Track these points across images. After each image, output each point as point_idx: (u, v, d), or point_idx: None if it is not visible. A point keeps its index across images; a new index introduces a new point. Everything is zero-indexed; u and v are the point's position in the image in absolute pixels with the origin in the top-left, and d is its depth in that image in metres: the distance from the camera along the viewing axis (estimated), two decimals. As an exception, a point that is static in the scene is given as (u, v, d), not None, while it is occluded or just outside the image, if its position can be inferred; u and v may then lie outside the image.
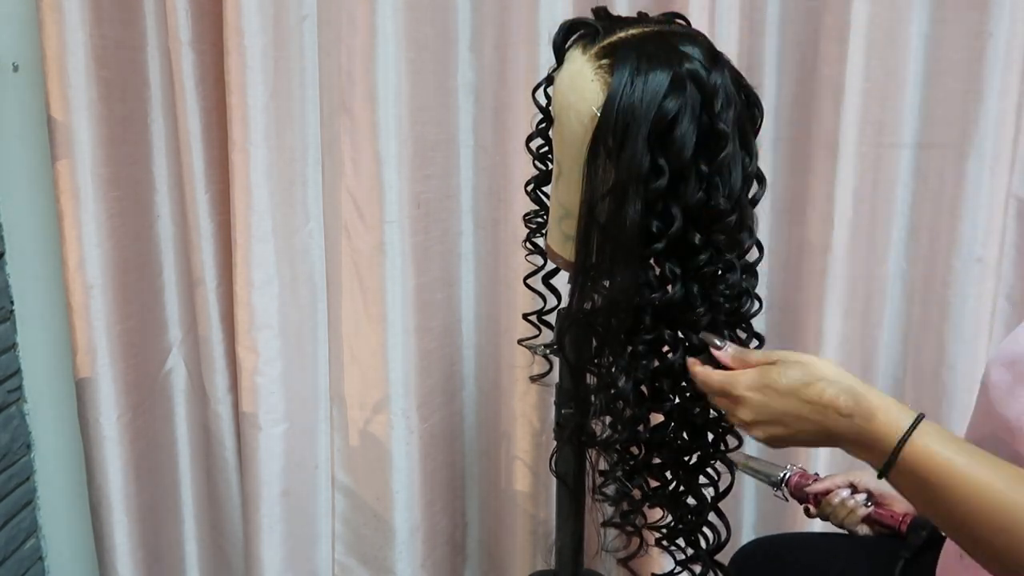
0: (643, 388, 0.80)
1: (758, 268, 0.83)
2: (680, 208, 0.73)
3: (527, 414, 1.33)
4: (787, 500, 1.02)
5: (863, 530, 0.96)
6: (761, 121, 0.80)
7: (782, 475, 1.01)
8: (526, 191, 0.95)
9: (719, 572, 0.86)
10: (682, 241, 0.75)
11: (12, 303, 1.31)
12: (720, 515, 0.86)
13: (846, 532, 0.98)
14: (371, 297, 1.27)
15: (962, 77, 1.16)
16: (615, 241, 0.74)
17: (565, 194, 0.81)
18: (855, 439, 0.63)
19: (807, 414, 0.65)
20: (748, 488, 1.38)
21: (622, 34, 0.75)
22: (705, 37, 0.76)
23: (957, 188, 1.19)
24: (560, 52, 0.81)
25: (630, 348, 0.78)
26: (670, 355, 0.78)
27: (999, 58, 1.13)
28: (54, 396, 1.35)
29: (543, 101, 0.88)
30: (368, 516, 1.36)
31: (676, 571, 0.88)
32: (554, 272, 0.96)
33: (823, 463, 1.29)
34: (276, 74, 1.17)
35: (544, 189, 0.93)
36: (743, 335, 0.82)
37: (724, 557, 0.89)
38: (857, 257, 1.23)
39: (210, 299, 1.27)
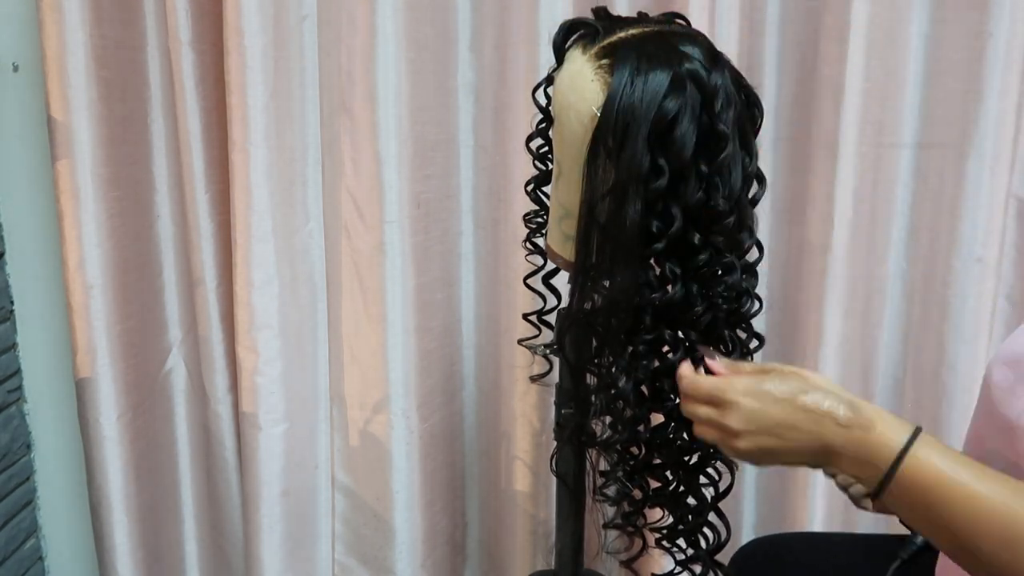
0: (643, 388, 0.80)
1: (758, 268, 0.83)
2: (680, 208, 0.73)
3: (527, 414, 1.33)
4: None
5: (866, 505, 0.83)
6: (761, 121, 0.80)
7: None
8: (526, 191, 0.95)
9: (719, 572, 0.86)
10: (682, 241, 0.75)
11: (12, 303, 1.31)
12: (720, 515, 0.86)
13: (844, 533, 0.97)
14: (371, 297, 1.27)
15: (962, 77, 1.16)
16: (615, 241, 0.74)
17: (565, 194, 0.81)
18: (852, 451, 0.61)
19: (802, 423, 0.62)
20: (748, 488, 1.38)
21: (622, 34, 0.75)
22: (705, 37, 0.77)
23: (957, 188, 1.19)
24: (560, 52, 0.81)
25: (630, 348, 0.78)
26: (670, 355, 0.78)
27: (999, 58, 1.13)
28: (54, 396, 1.35)
29: (543, 101, 0.88)
30: (368, 516, 1.36)
31: (676, 571, 0.88)
32: (554, 272, 0.96)
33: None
34: (276, 74, 1.17)
35: (544, 189, 0.93)
36: (743, 335, 0.82)
37: (724, 557, 0.89)
38: (857, 257, 1.23)
39: (210, 299, 1.27)
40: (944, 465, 0.58)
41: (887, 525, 1.34)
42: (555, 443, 0.98)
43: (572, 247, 0.80)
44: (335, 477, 1.38)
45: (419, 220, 1.26)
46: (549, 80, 0.85)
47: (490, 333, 1.35)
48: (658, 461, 0.83)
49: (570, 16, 1.00)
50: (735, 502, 1.37)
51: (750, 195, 0.79)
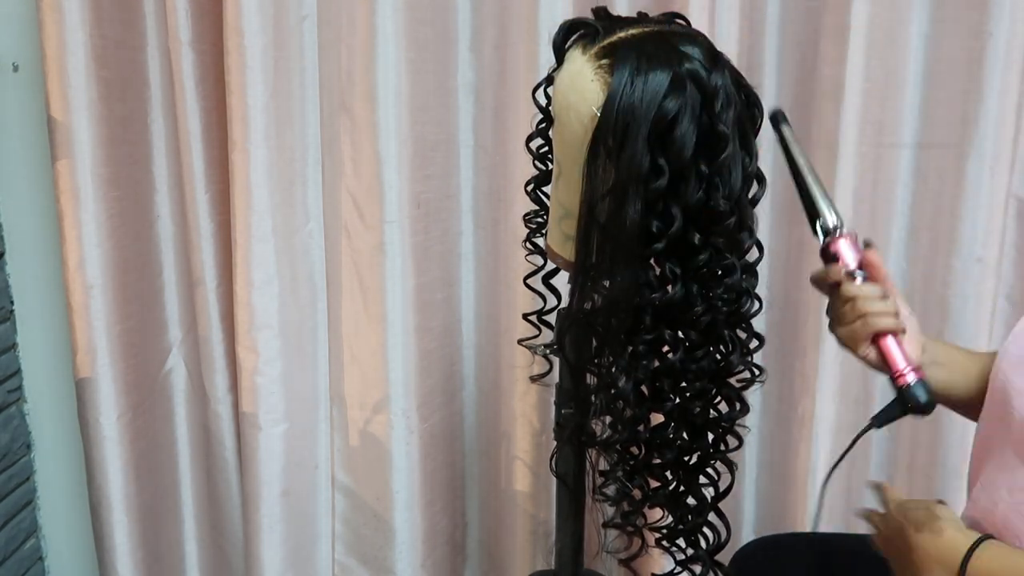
0: (643, 388, 0.80)
1: (758, 268, 0.83)
2: (680, 208, 0.73)
3: (527, 414, 1.33)
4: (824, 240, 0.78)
5: (863, 351, 0.78)
6: (761, 121, 0.80)
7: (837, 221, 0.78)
8: (526, 191, 0.95)
9: (719, 572, 0.86)
10: (682, 241, 0.75)
11: (12, 303, 1.31)
12: (720, 515, 0.86)
13: (844, 534, 0.97)
14: (371, 297, 1.27)
15: (962, 77, 1.16)
16: (615, 241, 0.74)
17: (565, 194, 0.81)
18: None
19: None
20: (748, 488, 1.38)
21: (622, 34, 0.75)
22: (705, 37, 0.77)
23: (957, 188, 1.19)
24: (560, 52, 0.81)
25: (630, 348, 0.78)
26: (670, 355, 0.78)
27: (999, 58, 1.13)
28: (54, 396, 1.34)
29: (543, 101, 0.88)
30: (368, 516, 1.36)
31: (676, 571, 0.88)
32: (554, 272, 0.96)
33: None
34: (276, 74, 1.17)
35: (544, 189, 0.93)
36: (743, 335, 0.82)
37: (724, 557, 0.89)
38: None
39: (210, 299, 1.27)
40: (1007, 560, 0.66)
41: (887, 525, 1.34)
42: (555, 443, 0.98)
43: (572, 247, 0.80)
44: (335, 477, 1.38)
45: (419, 220, 1.26)
46: (549, 80, 0.85)
47: (490, 333, 1.35)
48: (658, 461, 0.83)
49: (570, 16, 1.00)
50: (735, 502, 1.37)
51: (750, 195, 0.79)
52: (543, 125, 0.90)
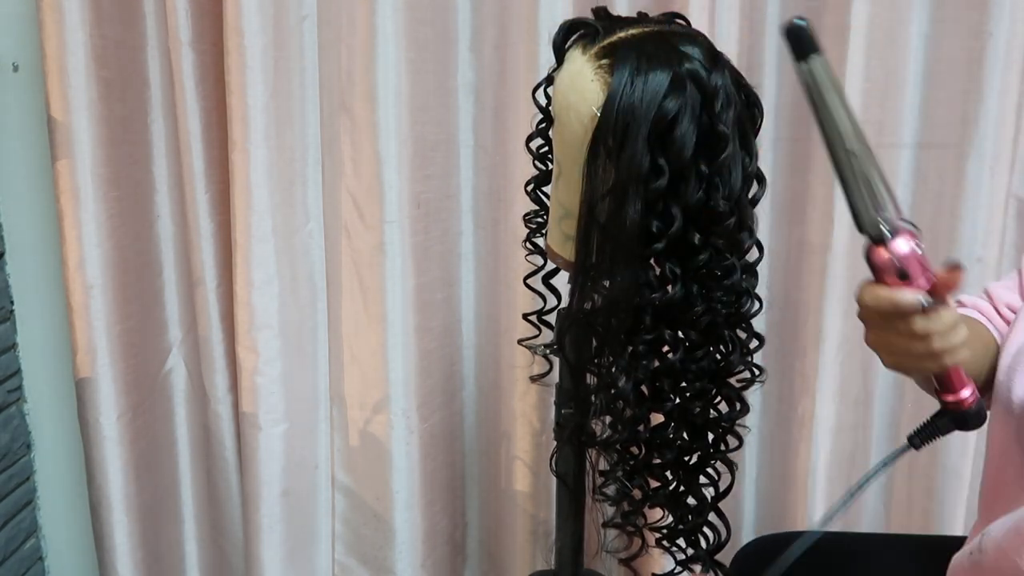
0: (643, 388, 0.80)
1: (758, 268, 0.83)
2: (680, 208, 0.73)
3: (527, 414, 1.33)
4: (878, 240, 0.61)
5: (917, 375, 0.70)
6: (761, 121, 0.80)
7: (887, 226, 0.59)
8: (526, 191, 0.95)
9: (719, 572, 0.86)
10: (682, 241, 0.75)
11: (12, 303, 1.31)
12: (720, 515, 0.86)
13: (844, 532, 0.97)
14: (371, 297, 1.27)
15: (962, 77, 1.16)
16: (615, 241, 0.74)
17: (565, 194, 0.81)
18: None
19: None
20: (748, 488, 1.38)
21: (622, 34, 0.75)
22: (705, 37, 0.77)
23: (957, 188, 1.19)
24: (560, 52, 0.81)
25: (630, 348, 0.78)
26: (670, 355, 0.78)
27: (999, 58, 1.13)
28: (54, 396, 1.34)
29: (543, 101, 0.88)
30: (368, 516, 1.36)
31: (676, 571, 0.88)
32: (554, 272, 0.96)
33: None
34: (276, 74, 1.17)
35: (544, 189, 0.93)
36: (743, 335, 0.82)
37: (725, 557, 0.89)
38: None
39: (210, 299, 1.27)
40: None
41: (886, 525, 1.35)
42: (555, 443, 0.98)
43: (572, 247, 0.80)
44: (335, 477, 1.38)
45: (419, 220, 1.26)
46: (549, 80, 0.85)
47: (490, 333, 1.35)
48: (658, 461, 0.83)
49: (570, 16, 1.00)
50: (735, 502, 1.37)
51: (750, 195, 0.79)
52: (543, 125, 0.90)
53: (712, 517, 0.86)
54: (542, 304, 0.99)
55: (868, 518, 1.35)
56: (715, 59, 0.73)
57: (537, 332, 1.01)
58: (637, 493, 0.84)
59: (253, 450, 1.27)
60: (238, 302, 1.23)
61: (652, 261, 0.77)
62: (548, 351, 0.99)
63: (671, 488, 0.85)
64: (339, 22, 1.19)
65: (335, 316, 1.31)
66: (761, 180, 0.81)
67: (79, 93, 1.12)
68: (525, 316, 1.02)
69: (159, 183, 1.28)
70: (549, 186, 0.89)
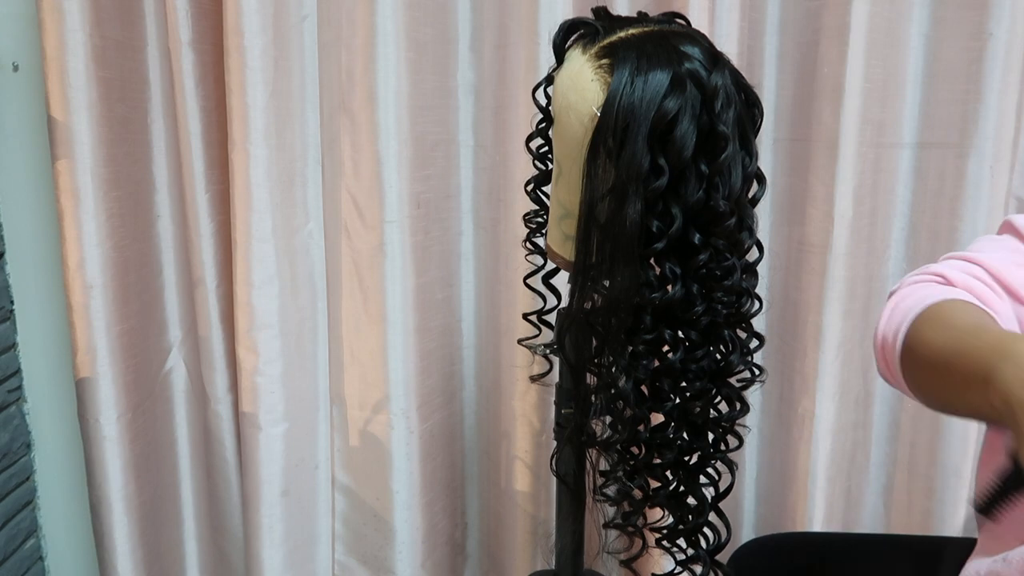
0: (643, 388, 0.80)
1: (758, 268, 0.83)
2: (680, 208, 0.73)
3: (527, 414, 1.33)
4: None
5: None
6: (761, 121, 0.80)
7: None
8: (526, 191, 0.95)
9: (719, 572, 0.86)
10: (682, 241, 0.75)
11: (12, 303, 1.31)
12: (720, 515, 0.86)
13: (843, 533, 0.96)
14: (371, 297, 1.27)
15: (962, 77, 1.16)
16: (615, 241, 0.74)
17: (565, 194, 0.81)
18: None
19: None
20: (748, 488, 1.38)
21: (622, 34, 0.75)
22: (705, 37, 0.77)
23: (957, 188, 1.19)
24: (560, 52, 0.81)
25: (630, 348, 0.78)
26: (670, 355, 0.78)
27: (999, 58, 1.13)
28: (54, 396, 1.34)
29: (543, 101, 0.88)
30: (368, 516, 1.36)
31: (676, 571, 0.88)
32: (554, 272, 0.96)
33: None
34: (276, 74, 1.17)
35: (544, 189, 0.93)
36: (743, 335, 0.82)
37: (724, 556, 0.89)
38: (857, 257, 1.23)
39: (210, 299, 1.27)
40: None
41: (886, 524, 1.35)
42: (555, 443, 0.98)
43: (572, 247, 0.80)
44: (335, 477, 1.38)
45: (419, 220, 1.26)
46: (549, 80, 0.85)
47: (490, 333, 1.35)
48: (658, 461, 0.83)
49: (570, 16, 1.00)
50: (735, 502, 1.37)
51: (750, 195, 0.79)
52: (543, 125, 0.90)
53: (712, 517, 0.86)
54: (542, 304, 0.99)
55: (868, 518, 1.35)
56: (715, 59, 0.73)
57: (537, 332, 1.01)
58: (638, 493, 0.84)
59: (253, 450, 1.27)
60: (238, 302, 1.23)
61: (652, 261, 0.77)
62: (548, 351, 0.99)
63: (671, 488, 0.85)
64: (339, 22, 1.19)
65: (335, 316, 1.31)
66: (761, 180, 0.81)
67: (79, 93, 1.12)
68: (525, 316, 1.02)
69: (159, 183, 1.28)
70: (549, 186, 0.89)
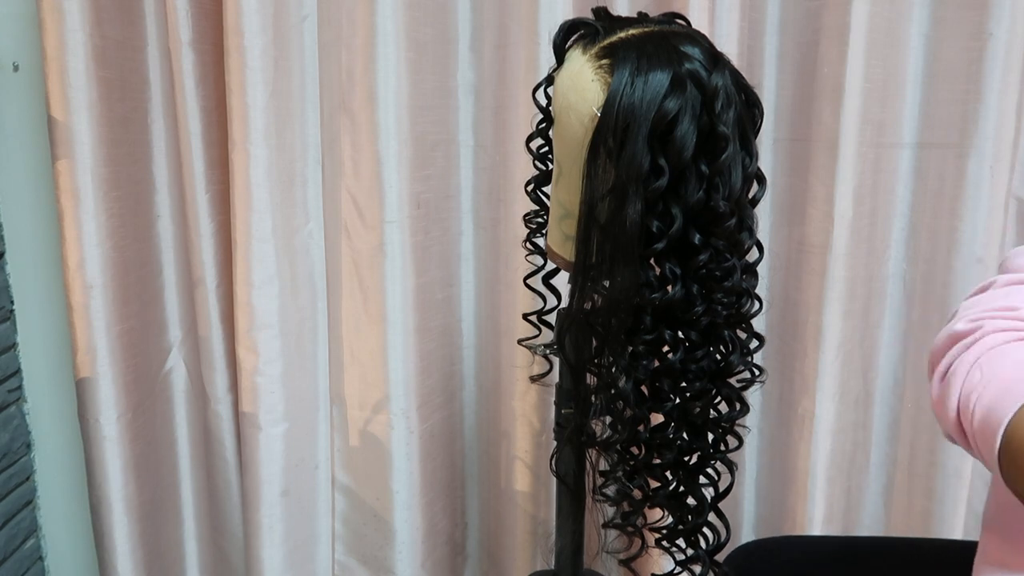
0: (643, 388, 0.80)
1: (758, 268, 0.83)
2: (680, 208, 0.73)
3: (527, 414, 1.33)
4: None
5: None
6: (761, 121, 0.80)
7: None
8: (526, 191, 0.95)
9: (718, 572, 0.86)
10: (682, 241, 0.75)
11: (12, 303, 1.31)
12: (720, 515, 0.86)
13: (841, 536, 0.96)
14: (371, 297, 1.27)
15: (962, 77, 1.16)
16: (615, 241, 0.74)
17: (565, 194, 0.81)
18: None
19: None
20: (748, 489, 1.38)
21: (622, 34, 0.75)
22: (705, 37, 0.77)
23: (957, 188, 1.19)
24: (560, 52, 0.81)
25: (630, 348, 0.78)
26: (670, 355, 0.78)
27: (999, 58, 1.13)
28: (54, 396, 1.34)
29: (543, 101, 0.88)
30: (368, 516, 1.36)
31: (676, 571, 0.88)
32: (554, 272, 0.96)
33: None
34: (276, 74, 1.17)
35: (544, 189, 0.93)
36: (743, 335, 0.82)
37: (723, 557, 0.89)
38: (857, 257, 1.23)
39: (210, 299, 1.27)
40: None
41: (886, 525, 1.35)
42: (555, 443, 0.98)
43: (572, 247, 0.80)
44: (335, 477, 1.38)
45: (419, 220, 1.26)
46: (549, 80, 0.85)
47: (490, 333, 1.35)
48: (658, 461, 0.83)
49: (570, 16, 1.00)
50: (735, 502, 1.37)
51: (750, 195, 0.79)
52: (543, 125, 0.90)
53: (712, 517, 0.86)
54: (542, 304, 0.99)
55: (868, 519, 1.35)
56: (715, 59, 0.73)
57: (537, 332, 1.01)
58: (637, 493, 0.84)
59: (253, 450, 1.27)
60: (238, 302, 1.23)
61: (652, 261, 0.77)
62: (548, 351, 1.00)
63: (671, 488, 0.85)
64: (339, 22, 1.19)
65: (335, 316, 1.31)
66: (761, 180, 0.81)
67: (79, 93, 1.12)
68: (525, 316, 1.02)
69: (159, 183, 1.28)
70: (549, 186, 0.89)
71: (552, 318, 0.98)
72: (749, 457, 1.37)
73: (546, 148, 0.91)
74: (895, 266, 1.26)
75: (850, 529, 1.34)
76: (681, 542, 0.87)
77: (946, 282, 1.22)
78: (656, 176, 0.72)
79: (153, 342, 1.31)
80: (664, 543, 0.87)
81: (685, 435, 0.82)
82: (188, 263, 1.28)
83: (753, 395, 1.25)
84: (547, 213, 0.92)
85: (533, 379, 1.05)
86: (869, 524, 1.35)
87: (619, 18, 0.80)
